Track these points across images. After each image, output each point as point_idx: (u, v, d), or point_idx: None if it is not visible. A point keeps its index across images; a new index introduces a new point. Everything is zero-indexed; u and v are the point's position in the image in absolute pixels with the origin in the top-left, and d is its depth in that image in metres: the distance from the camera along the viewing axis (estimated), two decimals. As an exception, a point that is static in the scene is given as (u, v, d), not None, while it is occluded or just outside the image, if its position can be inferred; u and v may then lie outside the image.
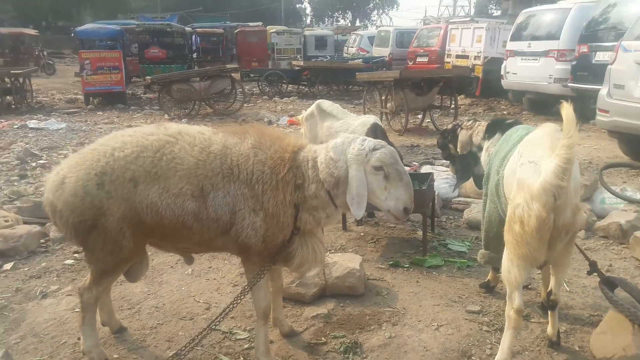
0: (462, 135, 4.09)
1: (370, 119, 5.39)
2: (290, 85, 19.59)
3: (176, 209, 2.79)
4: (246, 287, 3.01)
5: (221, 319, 2.95)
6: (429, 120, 12.00)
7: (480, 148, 3.94)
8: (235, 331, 3.50)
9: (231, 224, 2.83)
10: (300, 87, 19.78)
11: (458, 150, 4.16)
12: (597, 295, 3.91)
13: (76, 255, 4.80)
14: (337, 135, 5.45)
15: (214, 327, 2.98)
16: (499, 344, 3.27)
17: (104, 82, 15.57)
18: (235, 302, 2.97)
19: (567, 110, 2.36)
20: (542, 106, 13.80)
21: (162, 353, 3.28)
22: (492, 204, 3.53)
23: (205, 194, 2.79)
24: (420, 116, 12.27)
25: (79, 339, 3.36)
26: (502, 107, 15.48)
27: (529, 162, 2.67)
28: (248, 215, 2.80)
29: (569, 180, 2.42)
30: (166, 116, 13.50)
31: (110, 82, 15.65)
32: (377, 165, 2.70)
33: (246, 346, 3.35)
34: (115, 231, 2.80)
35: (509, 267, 2.73)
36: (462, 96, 15.75)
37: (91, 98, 15.84)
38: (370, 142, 2.76)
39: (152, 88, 16.26)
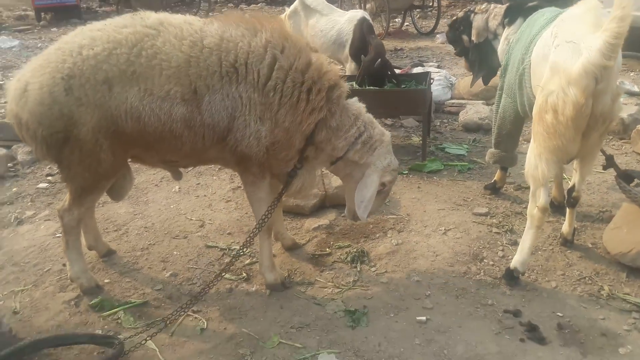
0: (477, 20, 3.67)
1: (358, 13, 4.95)
2: (257, -9, 18.40)
3: (162, 115, 2.42)
4: (279, 194, 2.72)
5: (245, 249, 2.73)
6: (408, 24, 11.45)
7: (496, 35, 3.59)
8: (234, 247, 3.29)
9: (228, 131, 2.48)
10: (268, -8, 18.59)
11: (474, 38, 3.74)
12: (602, 191, 3.80)
13: (50, 178, 4.45)
14: (323, 34, 5.08)
15: (230, 256, 2.76)
16: (510, 245, 3.18)
17: (55, -4, 14.29)
18: (257, 227, 2.70)
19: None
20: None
21: (157, 274, 3.07)
22: (509, 98, 3.25)
23: (199, 97, 2.42)
24: (398, 19, 11.68)
25: (64, 265, 3.12)
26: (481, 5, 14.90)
27: (566, 43, 2.36)
28: (253, 123, 2.44)
29: (615, 59, 2.14)
30: (128, 29, 12.57)
31: (63, -5, 14.38)
32: (386, 182, 2.72)
33: (247, 262, 3.16)
34: (90, 143, 2.45)
35: (536, 162, 2.51)
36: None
37: (42, 13, 14.60)
38: (395, 162, 2.76)
39: (107, 1, 15.06)
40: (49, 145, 2.49)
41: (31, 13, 15.26)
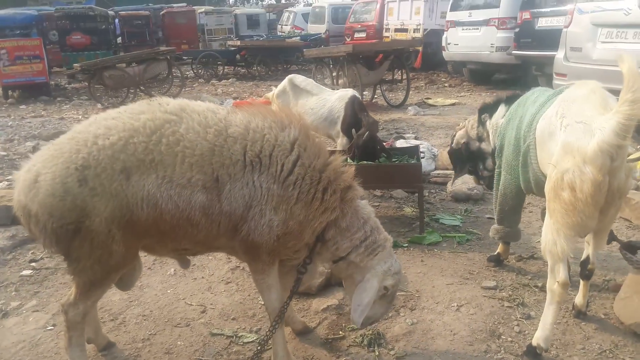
0: (459, 136, 3.92)
1: (348, 92, 5.09)
2: (226, 67, 18.85)
3: (181, 203, 2.35)
4: (291, 292, 2.68)
5: (265, 346, 2.63)
6: (377, 97, 11.84)
7: (480, 139, 3.78)
8: (241, 334, 3.14)
9: (242, 219, 2.43)
10: (237, 68, 19.09)
11: (454, 145, 4.01)
12: (600, 259, 3.85)
13: (33, 264, 4.22)
14: (314, 112, 5.19)
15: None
16: (525, 319, 3.15)
17: (24, 73, 14.14)
18: (283, 309, 2.64)
19: (628, 62, 2.15)
20: (483, 76, 14.01)
21: (163, 368, 2.88)
22: (509, 175, 3.34)
23: (220, 185, 2.37)
24: (366, 92, 12.09)
25: (59, 362, 2.90)
26: (443, 79, 15.63)
27: (576, 123, 2.46)
28: (268, 212, 2.41)
29: (629, 139, 2.24)
30: (99, 105, 12.55)
31: (32, 73, 14.25)
32: (388, 286, 2.65)
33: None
34: (103, 234, 2.34)
35: (554, 238, 2.53)
36: (399, 71, 15.80)
37: (10, 91, 14.47)
38: (397, 265, 2.69)
39: (77, 77, 15.08)
40: (58, 237, 2.36)
41: (-2, 91, 15.12)
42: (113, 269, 2.49)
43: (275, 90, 5.58)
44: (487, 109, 3.71)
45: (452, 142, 4.11)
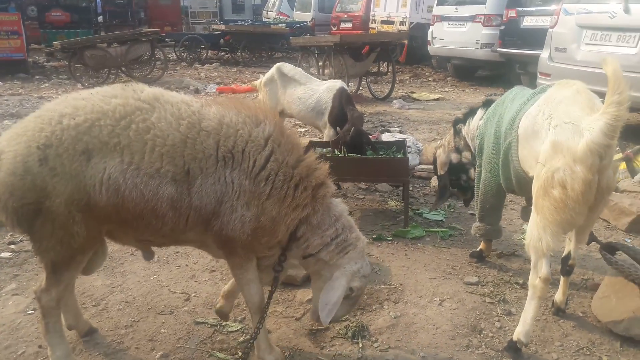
0: (440, 156, 3.98)
1: (337, 84, 5.08)
2: (210, 51, 18.62)
3: (147, 192, 2.31)
4: (271, 292, 2.70)
5: (258, 331, 2.64)
6: (362, 88, 11.85)
7: (458, 150, 3.86)
8: (225, 323, 3.14)
9: (214, 214, 2.42)
10: (221, 53, 18.87)
11: (441, 172, 4.03)
12: (579, 258, 3.93)
13: (12, 246, 4.15)
14: (302, 101, 5.17)
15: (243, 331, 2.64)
16: (506, 315, 3.21)
17: (1, 49, 13.79)
18: (266, 307, 2.68)
19: (612, 65, 2.20)
20: (467, 72, 14.13)
21: (146, 355, 2.86)
22: (489, 173, 3.39)
23: (191, 179, 2.35)
24: (351, 84, 12.08)
25: (40, 346, 2.87)
26: (427, 73, 15.70)
27: (564, 124, 2.51)
28: (240, 208, 2.40)
29: (616, 138, 2.30)
30: (79, 85, 12.31)
31: (9, 49, 13.89)
32: (354, 287, 2.65)
33: (241, 339, 3.01)
34: (63, 216, 2.31)
35: (540, 234, 2.59)
36: (384, 64, 15.86)
37: (-13, 67, 14.09)
38: (367, 268, 2.70)
39: (56, 56, 14.76)
40: (19, 217, 2.34)
41: (-27, 66, 14.71)
42: (77, 252, 2.45)
43: (263, 78, 5.53)
44: (461, 120, 3.81)
45: (435, 168, 4.14)
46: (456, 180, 3.99)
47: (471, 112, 3.72)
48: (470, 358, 2.83)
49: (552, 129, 2.62)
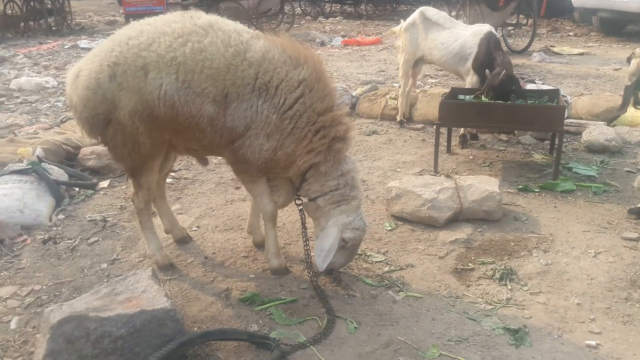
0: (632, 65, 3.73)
1: (484, 27, 4.82)
2: (333, 5, 18.59)
3: (194, 108, 2.60)
4: (303, 225, 2.95)
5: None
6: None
7: None
8: (369, 253, 3.25)
9: (240, 137, 2.65)
10: (345, 6, 18.76)
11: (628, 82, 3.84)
12: None
13: (172, 173, 4.56)
14: (444, 46, 5.01)
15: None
16: (671, 273, 2.97)
17: (144, 2, 14.93)
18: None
19: None
20: (615, 26, 12.74)
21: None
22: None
23: (228, 101, 2.60)
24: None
25: (206, 257, 3.24)
26: (567, 27, 14.43)
27: None
28: (262, 137, 2.63)
29: None
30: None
31: (151, 2, 15.01)
32: (346, 238, 2.74)
33: (386, 269, 3.09)
34: (129, 126, 2.68)
35: None
36: (522, 16, 14.81)
37: (131, 19, 15.25)
38: (361, 222, 2.79)
39: (191, 9, 15.57)
40: (92, 125, 2.78)
41: (119, 19, 16.08)
42: (147, 158, 2.82)
43: (404, 23, 5.39)
44: None
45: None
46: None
47: None
48: (630, 310, 2.68)
49: None
